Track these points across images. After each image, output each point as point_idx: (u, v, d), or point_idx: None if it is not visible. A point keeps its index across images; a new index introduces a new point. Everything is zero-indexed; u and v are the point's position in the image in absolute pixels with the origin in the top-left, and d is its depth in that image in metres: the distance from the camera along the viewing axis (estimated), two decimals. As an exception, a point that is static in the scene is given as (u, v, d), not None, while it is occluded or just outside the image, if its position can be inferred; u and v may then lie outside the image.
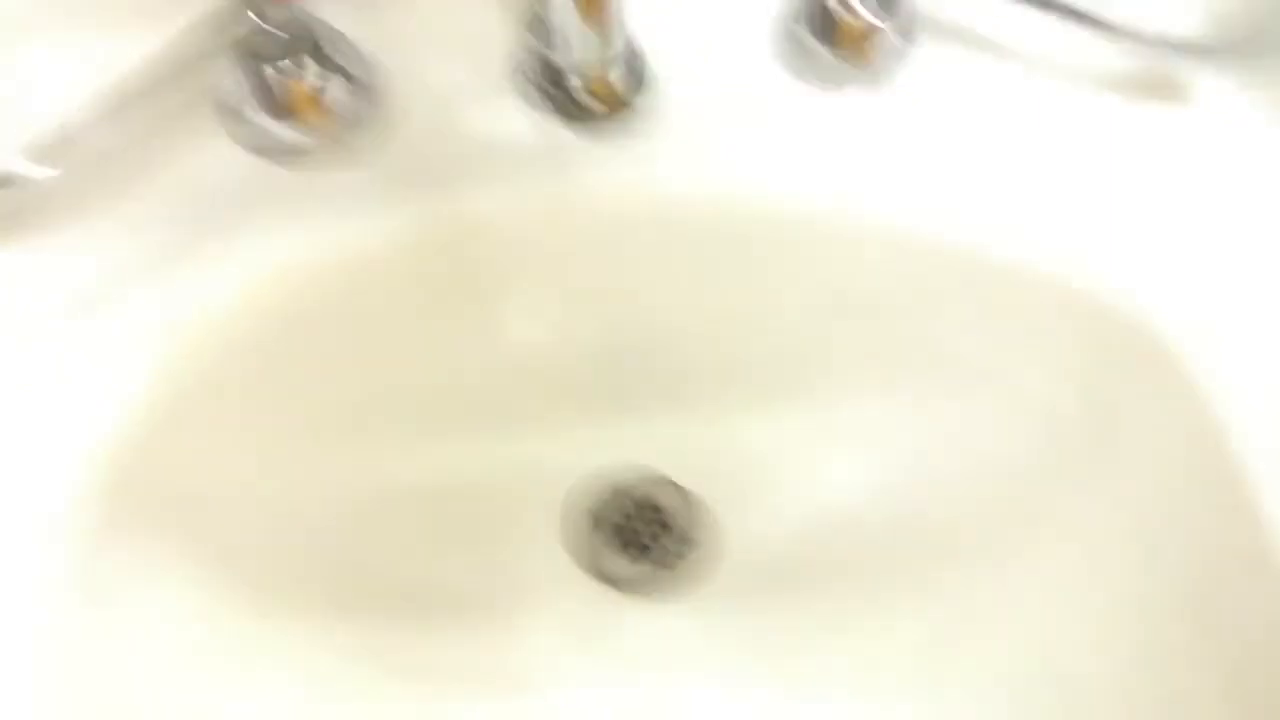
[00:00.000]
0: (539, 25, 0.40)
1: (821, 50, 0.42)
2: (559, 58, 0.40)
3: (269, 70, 0.39)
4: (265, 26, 0.37)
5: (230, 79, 0.39)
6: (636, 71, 0.42)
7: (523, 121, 0.42)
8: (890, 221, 0.42)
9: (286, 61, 0.38)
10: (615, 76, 0.41)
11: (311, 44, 0.39)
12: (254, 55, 0.38)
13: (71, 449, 0.37)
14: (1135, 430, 0.43)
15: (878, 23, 0.41)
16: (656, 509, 0.52)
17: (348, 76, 0.40)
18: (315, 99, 0.40)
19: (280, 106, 0.40)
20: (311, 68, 0.39)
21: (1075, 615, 0.46)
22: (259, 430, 0.44)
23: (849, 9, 0.41)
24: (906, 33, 0.42)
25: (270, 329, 0.41)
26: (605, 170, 0.41)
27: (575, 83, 0.40)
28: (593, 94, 0.41)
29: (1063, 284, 0.41)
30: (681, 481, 0.52)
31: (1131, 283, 0.41)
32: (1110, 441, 0.44)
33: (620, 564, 0.51)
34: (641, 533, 0.51)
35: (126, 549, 0.40)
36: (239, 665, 0.43)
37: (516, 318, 0.47)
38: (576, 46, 0.39)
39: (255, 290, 0.40)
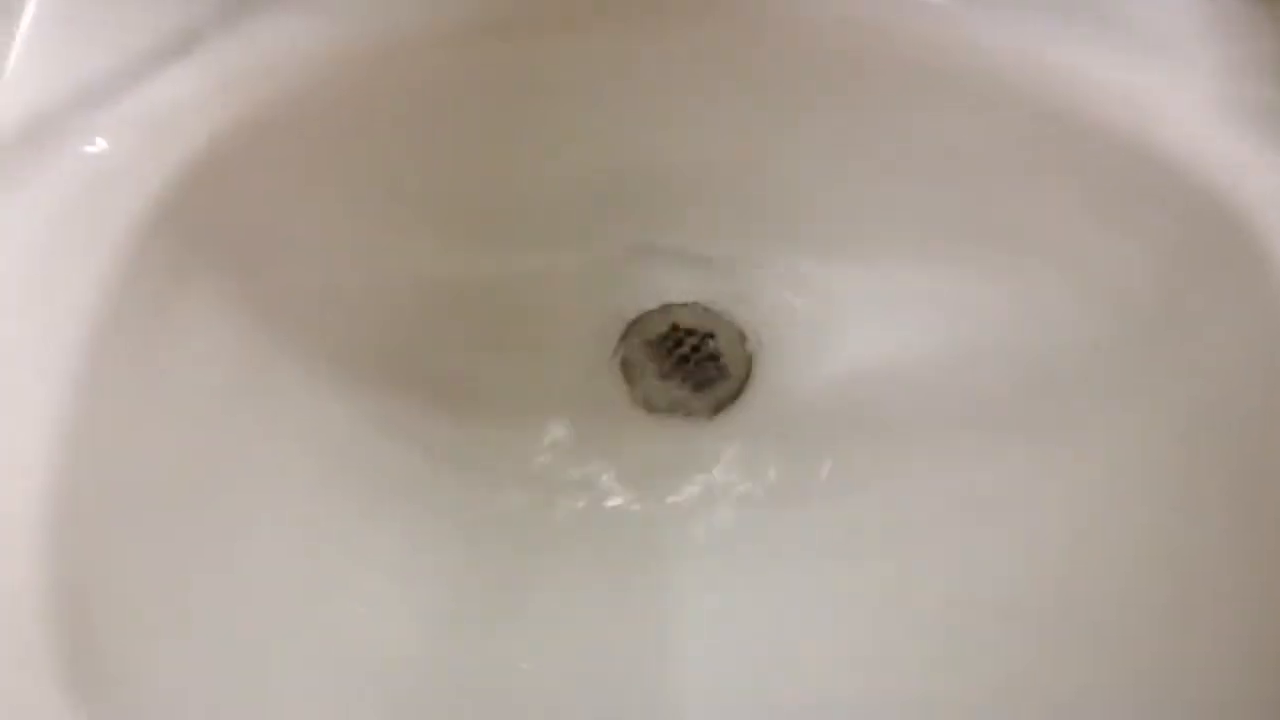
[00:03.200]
0: None
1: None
2: None
3: None
4: None
5: None
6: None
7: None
8: (1005, 77, 0.41)
9: None
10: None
11: None
12: None
13: (151, 159, 0.37)
14: (1209, 327, 0.43)
15: None
16: (705, 336, 0.52)
17: None
18: None
19: None
20: None
21: (1116, 501, 0.45)
22: (325, 193, 0.44)
23: None
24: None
25: (354, 89, 0.41)
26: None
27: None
28: None
29: (1160, 161, 0.41)
30: (734, 317, 0.52)
31: (1238, 173, 0.40)
32: (1180, 333, 0.44)
33: (658, 384, 0.51)
34: (685, 357, 0.52)
35: (181, 270, 0.40)
36: (270, 414, 0.44)
37: (587, 133, 0.46)
38: None
39: (352, 43, 0.39)
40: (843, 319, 0.51)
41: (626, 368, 0.51)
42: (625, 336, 0.52)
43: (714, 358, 0.52)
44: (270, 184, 0.41)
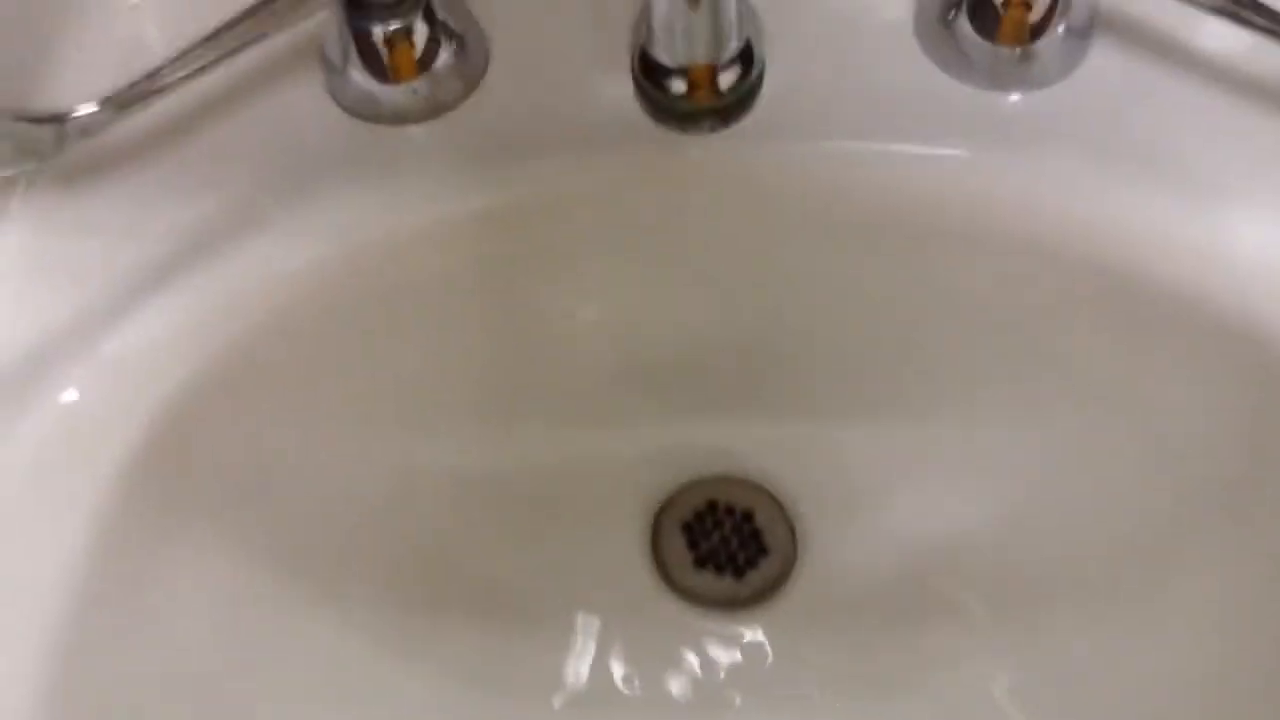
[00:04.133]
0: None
1: (979, 43, 0.37)
2: (660, 52, 0.36)
3: (376, 29, 0.36)
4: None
5: (335, 34, 0.37)
6: (749, 68, 0.37)
7: (631, 99, 0.38)
8: (1042, 229, 0.38)
9: (397, 22, 0.36)
10: (726, 78, 0.37)
11: (424, 4, 0.36)
12: (364, 13, 0.35)
13: (128, 404, 0.35)
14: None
15: (1048, 15, 0.36)
16: (743, 515, 0.48)
17: (455, 39, 0.37)
18: (420, 61, 0.37)
19: (383, 66, 0.37)
20: (421, 30, 0.36)
21: (1197, 680, 0.41)
22: (317, 404, 0.42)
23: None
24: (1081, 27, 0.37)
25: (341, 299, 0.39)
26: (714, 154, 0.38)
27: (678, 86, 0.37)
28: (696, 96, 0.37)
29: (1235, 317, 0.37)
30: (773, 489, 0.48)
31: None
32: (1265, 498, 0.40)
33: (696, 573, 0.47)
34: (725, 540, 0.48)
35: (170, 511, 0.38)
36: (275, 645, 0.41)
37: (600, 302, 0.44)
38: (680, 40, 0.35)
39: (328, 259, 0.37)
40: (892, 486, 0.47)
41: (661, 554, 0.48)
42: (659, 518, 0.49)
43: (755, 536, 0.48)
44: (258, 407, 0.39)
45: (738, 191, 0.40)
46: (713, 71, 0.36)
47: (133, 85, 0.32)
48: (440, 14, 0.37)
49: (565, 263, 0.41)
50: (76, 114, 0.31)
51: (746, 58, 0.37)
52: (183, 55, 0.33)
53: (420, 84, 0.37)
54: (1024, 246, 0.39)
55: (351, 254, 0.37)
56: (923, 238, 0.40)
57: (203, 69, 0.32)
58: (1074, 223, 0.38)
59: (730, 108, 0.37)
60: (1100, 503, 0.44)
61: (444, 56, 0.37)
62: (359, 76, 0.37)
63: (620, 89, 0.38)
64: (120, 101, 0.32)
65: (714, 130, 0.38)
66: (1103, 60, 0.38)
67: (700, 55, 0.36)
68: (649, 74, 0.37)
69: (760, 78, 0.37)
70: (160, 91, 0.32)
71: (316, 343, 0.39)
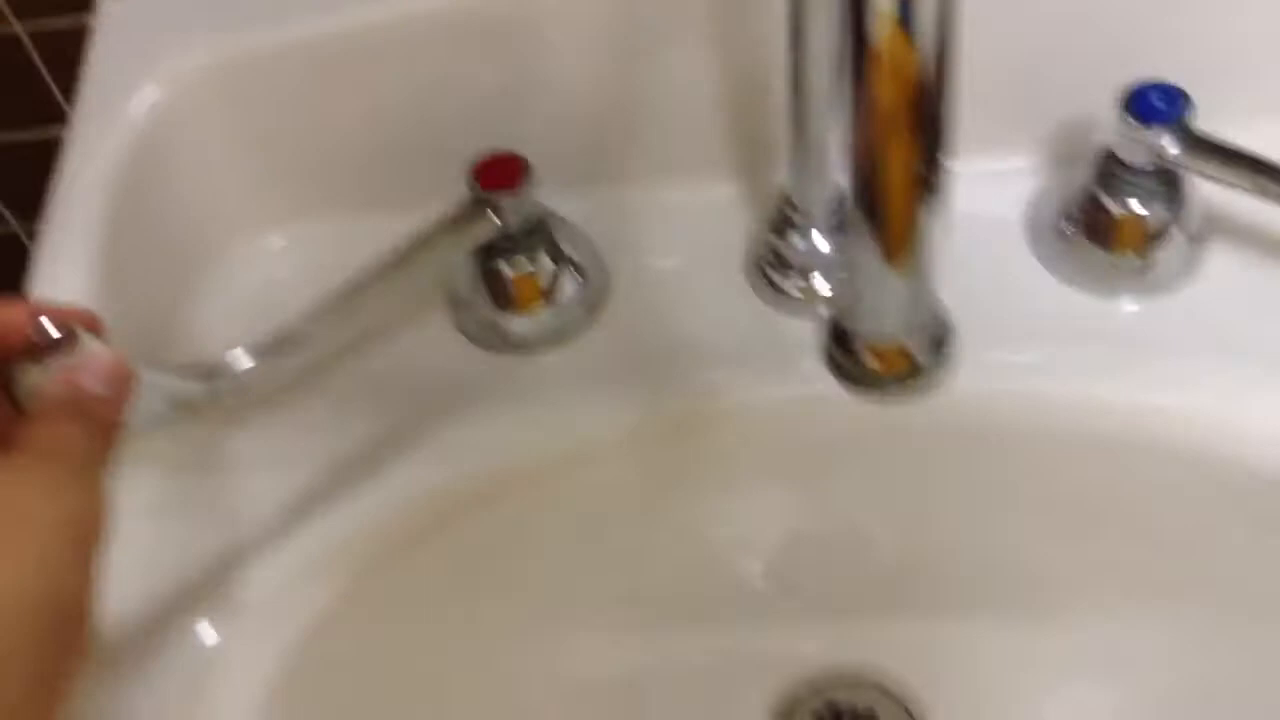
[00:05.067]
0: (780, 221, 0.37)
1: (1096, 251, 0.38)
2: (853, 322, 0.36)
3: (502, 265, 0.37)
4: (503, 225, 0.35)
5: (462, 271, 0.38)
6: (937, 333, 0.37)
7: (754, 318, 0.39)
8: (1179, 437, 0.37)
9: (521, 257, 0.37)
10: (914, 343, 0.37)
11: (546, 238, 0.37)
12: (489, 250, 0.37)
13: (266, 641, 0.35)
14: None
15: (1161, 221, 0.37)
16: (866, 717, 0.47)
17: (577, 268, 0.38)
18: (545, 292, 0.38)
19: (511, 299, 0.38)
20: (544, 263, 0.37)
21: None
22: (450, 617, 0.41)
23: (1124, 206, 0.37)
24: (1195, 233, 0.38)
25: (470, 524, 0.39)
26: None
27: (864, 352, 0.37)
28: (881, 360, 0.37)
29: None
30: (903, 697, 0.47)
31: None
32: None
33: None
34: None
35: None
36: None
37: (730, 520, 0.43)
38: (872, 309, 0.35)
39: (464, 485, 0.38)
40: (1015, 686, 0.46)
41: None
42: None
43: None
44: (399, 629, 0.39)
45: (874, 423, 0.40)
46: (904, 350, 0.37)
47: (280, 341, 0.33)
48: (564, 246, 0.38)
49: (700, 478, 0.41)
50: (231, 369, 0.32)
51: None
52: (327, 307, 0.34)
53: (546, 314, 0.38)
54: (1171, 454, 0.38)
55: (496, 473, 0.38)
56: (1065, 453, 0.39)
57: (347, 317, 0.33)
58: (1206, 428, 0.38)
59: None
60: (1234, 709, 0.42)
61: (569, 287, 0.38)
62: (488, 310, 0.38)
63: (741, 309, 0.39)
64: (270, 354, 0.33)
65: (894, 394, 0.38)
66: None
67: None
68: (839, 340, 0.37)
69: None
70: (308, 344, 0.33)
71: (454, 557, 0.39)
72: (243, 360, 0.33)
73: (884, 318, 0.35)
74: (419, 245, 0.35)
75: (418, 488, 0.37)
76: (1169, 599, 0.42)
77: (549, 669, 0.44)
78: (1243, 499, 0.38)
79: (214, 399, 0.32)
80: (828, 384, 0.38)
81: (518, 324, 0.38)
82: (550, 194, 0.38)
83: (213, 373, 0.32)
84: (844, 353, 0.37)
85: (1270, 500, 0.38)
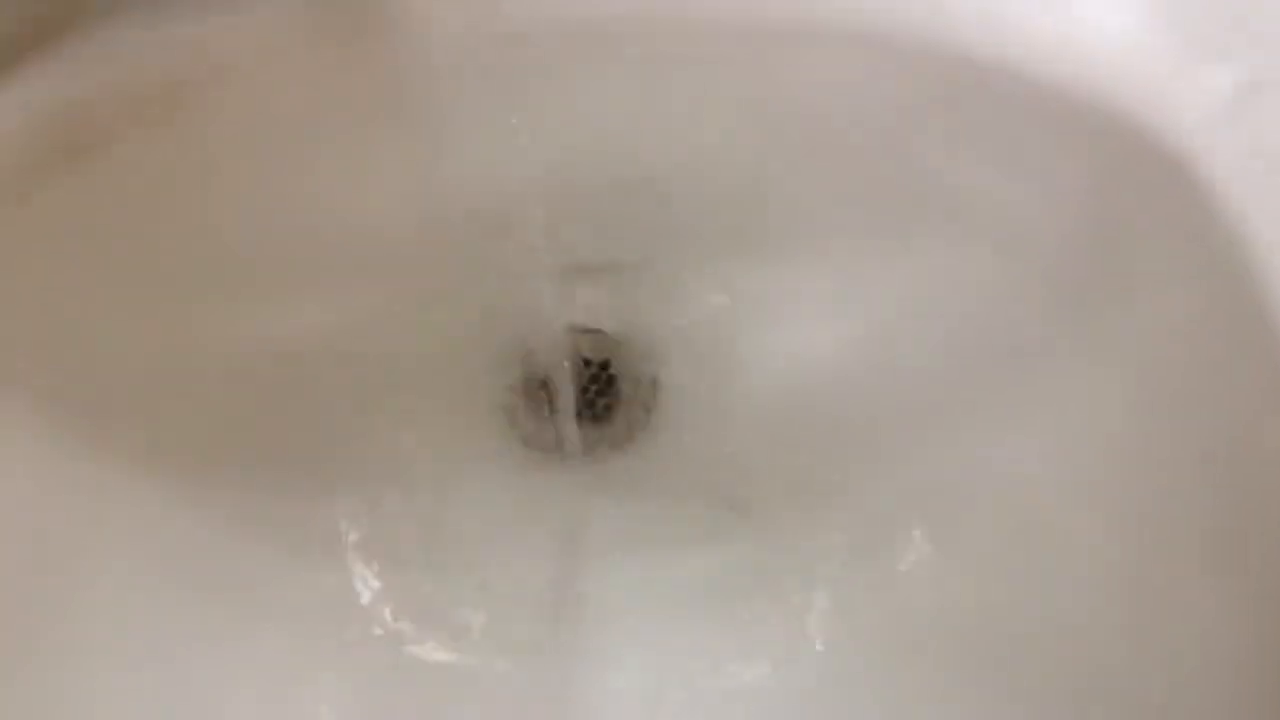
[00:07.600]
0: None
1: None
2: None
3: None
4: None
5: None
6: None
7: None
8: (863, 21, 0.35)
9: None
10: None
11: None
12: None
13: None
14: (1150, 278, 0.37)
15: None
16: (600, 365, 0.46)
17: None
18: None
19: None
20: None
21: (1069, 487, 0.40)
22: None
23: None
24: None
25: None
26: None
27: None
28: None
29: (1068, 95, 0.35)
30: (624, 337, 0.46)
31: (1151, 95, 0.34)
32: (1121, 289, 0.38)
33: (549, 422, 0.45)
34: (584, 388, 0.46)
35: None
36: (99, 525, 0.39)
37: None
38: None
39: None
40: (750, 326, 0.45)
41: (513, 415, 0.45)
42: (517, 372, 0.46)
43: (611, 382, 0.46)
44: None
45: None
46: None
47: None
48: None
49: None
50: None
51: None
52: None
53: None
54: (853, 40, 0.36)
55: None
56: (749, 49, 0.37)
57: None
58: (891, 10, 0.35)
59: None
60: (957, 317, 0.42)
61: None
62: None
63: None
64: None
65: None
66: None
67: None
68: None
69: None
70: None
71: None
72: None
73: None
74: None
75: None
76: (878, 215, 0.42)
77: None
78: (930, 94, 0.37)
79: None
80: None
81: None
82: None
83: None
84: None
85: (957, 91, 0.36)
